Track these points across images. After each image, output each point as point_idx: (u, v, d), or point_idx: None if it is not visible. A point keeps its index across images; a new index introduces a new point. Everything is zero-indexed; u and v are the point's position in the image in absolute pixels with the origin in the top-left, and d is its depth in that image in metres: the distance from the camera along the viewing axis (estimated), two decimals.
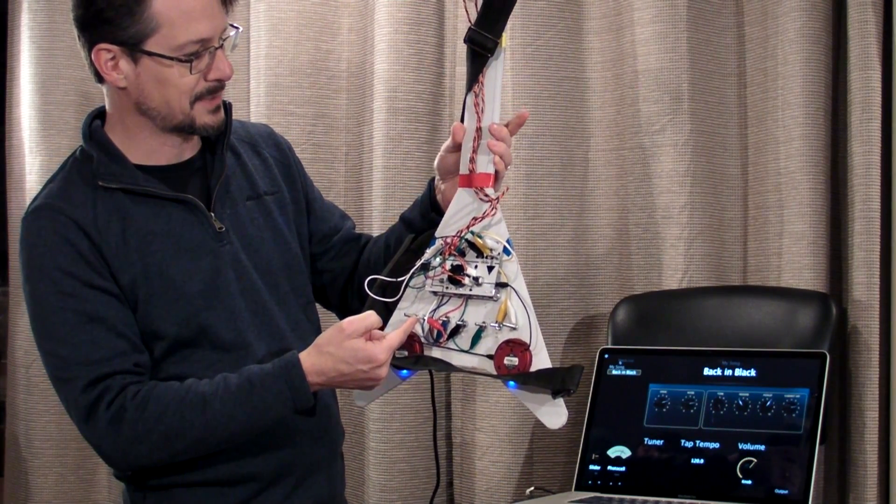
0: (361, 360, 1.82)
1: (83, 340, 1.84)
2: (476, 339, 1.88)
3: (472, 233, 1.87)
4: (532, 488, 2.53)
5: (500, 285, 1.86)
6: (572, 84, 2.81)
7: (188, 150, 1.98)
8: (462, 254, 1.88)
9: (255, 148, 2.07)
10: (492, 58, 1.88)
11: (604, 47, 2.82)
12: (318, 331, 2.06)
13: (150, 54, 1.84)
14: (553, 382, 1.83)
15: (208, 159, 1.99)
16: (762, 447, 2.27)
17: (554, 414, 1.86)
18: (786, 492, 2.22)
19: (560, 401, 1.86)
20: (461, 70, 2.85)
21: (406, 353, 1.91)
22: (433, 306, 1.90)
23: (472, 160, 1.90)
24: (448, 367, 1.90)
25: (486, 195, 1.89)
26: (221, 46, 1.87)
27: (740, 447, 2.29)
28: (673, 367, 2.42)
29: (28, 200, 2.94)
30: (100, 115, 1.97)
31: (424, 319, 1.89)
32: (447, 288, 1.88)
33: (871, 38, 2.54)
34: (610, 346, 2.58)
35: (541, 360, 1.85)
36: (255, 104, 2.91)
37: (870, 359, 2.51)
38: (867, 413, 2.51)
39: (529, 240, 2.77)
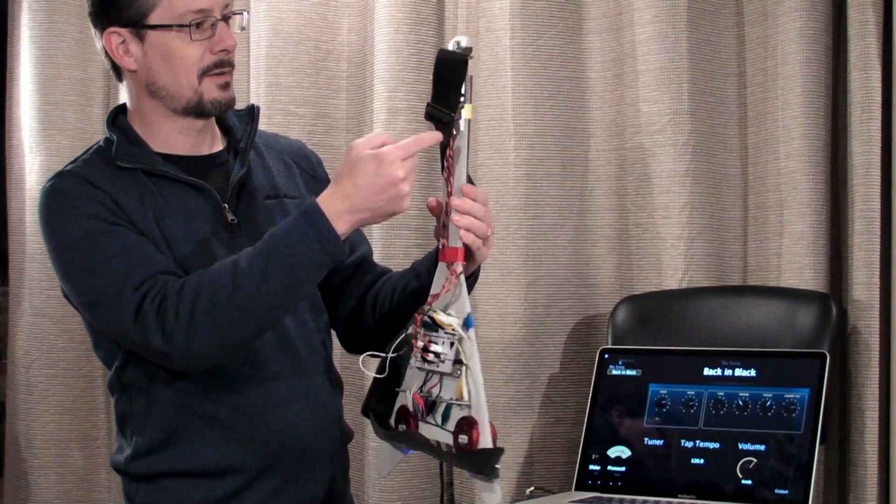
0: (374, 165, 1.77)
1: (122, 259, 1.84)
2: (445, 415, 1.83)
3: (433, 309, 1.82)
4: (532, 488, 2.53)
5: (457, 362, 1.80)
6: (572, 84, 2.82)
7: (208, 143, 2.00)
8: (434, 330, 1.83)
9: (281, 156, 2.09)
10: (454, 131, 1.83)
11: (604, 47, 2.82)
12: (326, 334, 2.06)
13: (154, 27, 1.88)
14: (473, 465, 1.79)
15: (231, 156, 2.01)
16: (762, 447, 2.27)
17: (489, 491, 1.81)
18: (786, 492, 2.22)
19: (495, 481, 1.80)
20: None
21: (405, 426, 1.88)
22: (421, 381, 1.86)
23: (443, 234, 1.84)
24: (426, 447, 1.86)
25: (454, 270, 1.83)
26: (224, 20, 1.91)
27: (740, 447, 2.29)
28: (673, 367, 2.42)
29: (28, 201, 2.95)
30: (123, 109, 2.01)
31: (410, 394, 1.87)
32: (423, 364, 1.85)
33: (871, 38, 2.55)
34: (610, 346, 2.58)
35: (484, 439, 1.80)
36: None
37: (870, 359, 2.52)
38: (867, 413, 2.51)
39: (529, 240, 2.77)
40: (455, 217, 1.82)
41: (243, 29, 1.96)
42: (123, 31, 1.90)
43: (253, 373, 1.93)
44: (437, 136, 1.82)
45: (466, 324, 1.80)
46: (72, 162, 1.97)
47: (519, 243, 2.76)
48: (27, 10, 2.95)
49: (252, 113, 2.06)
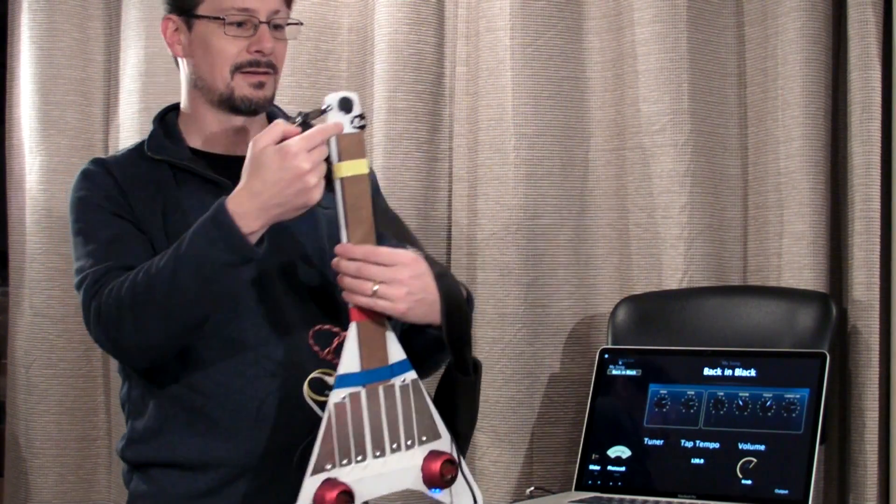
0: (279, 159, 1.78)
1: (101, 248, 1.95)
2: None
3: (315, 378, 1.81)
4: (532, 488, 2.53)
5: None
6: (572, 84, 2.82)
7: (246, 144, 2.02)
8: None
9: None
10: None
11: (604, 47, 2.82)
12: None
13: (198, 17, 1.98)
14: None
15: None
16: (762, 447, 2.27)
17: None
18: (786, 492, 2.22)
19: None
20: (461, 70, 2.86)
21: None
22: None
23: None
24: None
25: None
26: (268, 24, 1.98)
27: (740, 447, 2.29)
28: (673, 367, 2.42)
29: (28, 200, 2.95)
30: (175, 108, 2.11)
31: None
32: None
33: (870, 37, 2.55)
34: (610, 346, 2.58)
35: None
36: None
37: (870, 359, 2.52)
38: (867, 413, 2.51)
39: (529, 239, 2.77)
40: (339, 277, 1.81)
41: (293, 38, 2.04)
42: (177, 18, 2.02)
43: (243, 369, 1.95)
44: (340, 125, 1.81)
45: (336, 384, 1.77)
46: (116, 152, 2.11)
47: (519, 243, 2.76)
48: (27, 10, 2.95)
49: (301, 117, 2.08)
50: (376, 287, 1.79)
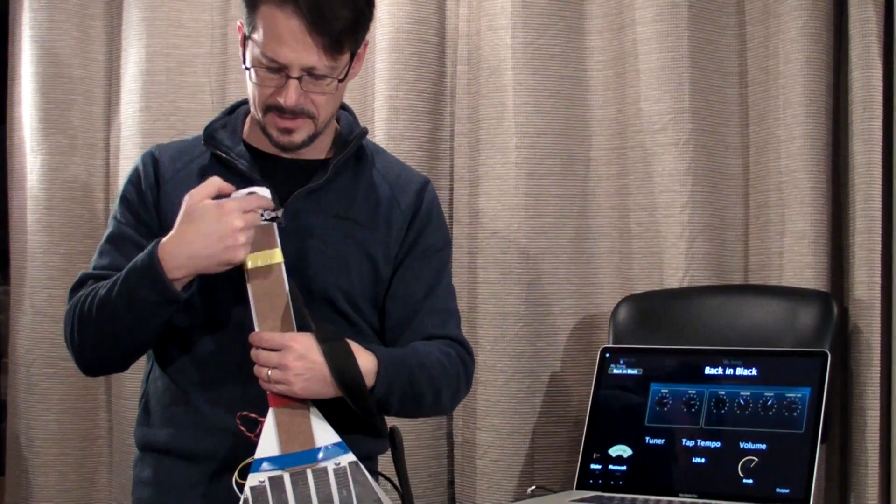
0: (215, 213, 1.85)
1: (106, 249, 2.04)
2: None
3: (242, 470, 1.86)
4: (533, 487, 2.53)
5: None
6: (573, 83, 2.82)
7: (311, 152, 2.04)
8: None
9: (386, 183, 2.11)
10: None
11: (605, 46, 2.82)
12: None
13: (244, 48, 1.96)
14: None
15: (329, 168, 2.04)
16: (763, 446, 2.27)
17: None
18: (787, 491, 2.22)
19: None
20: (462, 69, 2.86)
21: None
22: None
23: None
24: None
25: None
26: (301, 78, 1.92)
27: (741, 446, 2.29)
28: (674, 367, 2.42)
29: (29, 199, 2.95)
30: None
31: None
32: None
33: (872, 36, 2.55)
34: (611, 346, 2.58)
35: None
36: None
37: (871, 358, 2.52)
38: (868, 412, 2.51)
39: (531, 238, 2.77)
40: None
41: (328, 93, 1.97)
42: (244, 30, 1.97)
43: (237, 370, 1.97)
44: (270, 201, 1.91)
45: (252, 468, 1.81)
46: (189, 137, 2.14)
47: (520, 242, 2.76)
48: (28, 9, 2.95)
49: (359, 136, 2.10)
50: (269, 372, 1.87)
